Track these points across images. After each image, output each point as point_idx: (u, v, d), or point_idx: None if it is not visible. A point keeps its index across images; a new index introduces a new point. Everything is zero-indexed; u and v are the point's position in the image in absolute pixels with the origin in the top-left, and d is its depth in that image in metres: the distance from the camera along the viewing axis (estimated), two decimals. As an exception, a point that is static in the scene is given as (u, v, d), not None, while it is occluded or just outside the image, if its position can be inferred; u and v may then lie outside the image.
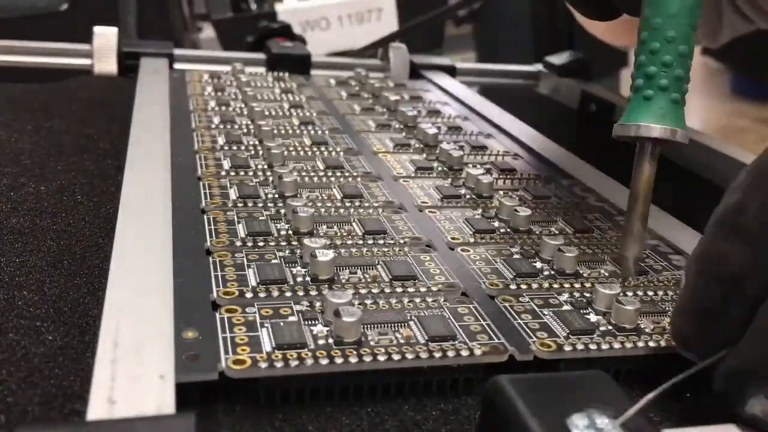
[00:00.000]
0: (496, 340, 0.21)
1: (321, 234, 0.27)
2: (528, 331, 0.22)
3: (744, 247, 0.18)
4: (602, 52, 0.69)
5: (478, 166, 0.35)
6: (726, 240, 0.18)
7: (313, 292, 0.23)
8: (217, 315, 0.21)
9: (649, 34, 0.23)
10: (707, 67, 1.69)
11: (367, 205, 0.30)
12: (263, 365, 0.19)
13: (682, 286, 0.20)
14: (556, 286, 0.25)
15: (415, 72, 0.55)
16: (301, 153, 0.35)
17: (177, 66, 0.52)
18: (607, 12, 0.29)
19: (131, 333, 0.19)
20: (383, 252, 0.26)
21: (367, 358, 0.20)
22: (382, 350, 0.20)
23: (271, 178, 0.32)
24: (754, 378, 0.18)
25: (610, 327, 0.22)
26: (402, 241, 0.27)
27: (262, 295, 0.22)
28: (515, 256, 0.27)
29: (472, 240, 0.28)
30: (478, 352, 0.20)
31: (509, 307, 0.23)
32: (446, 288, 0.24)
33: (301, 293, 0.23)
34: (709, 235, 0.19)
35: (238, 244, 0.25)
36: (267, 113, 0.41)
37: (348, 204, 0.30)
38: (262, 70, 0.52)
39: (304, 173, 0.33)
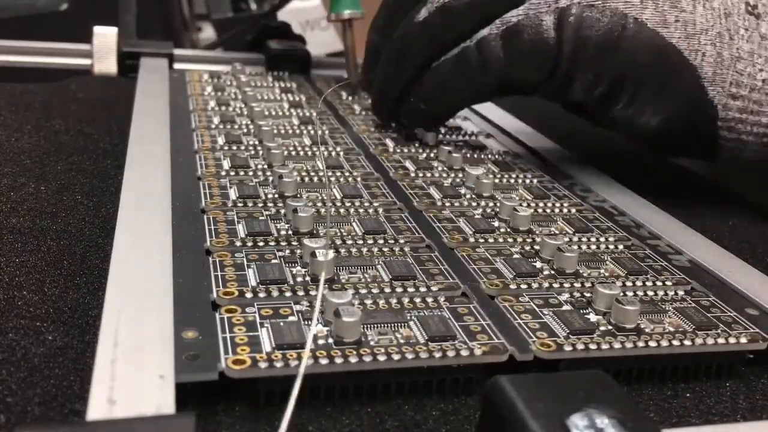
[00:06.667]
0: (496, 340, 0.21)
1: (321, 234, 0.27)
2: (528, 331, 0.22)
3: (377, 36, 0.39)
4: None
5: (478, 166, 0.35)
6: (373, 34, 0.39)
7: (313, 292, 0.23)
8: (217, 315, 0.21)
9: None
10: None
11: (367, 204, 0.30)
12: (263, 365, 0.19)
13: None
14: (556, 285, 0.25)
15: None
16: (301, 153, 0.35)
17: (177, 66, 0.52)
18: None
19: (131, 333, 0.19)
20: (383, 252, 0.26)
21: (367, 358, 0.20)
22: (382, 350, 0.20)
23: (271, 178, 0.32)
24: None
25: (610, 327, 0.22)
26: (402, 241, 0.27)
27: (261, 295, 0.22)
28: (515, 256, 0.27)
29: (472, 240, 0.28)
30: (478, 352, 0.20)
31: (509, 307, 0.23)
32: (446, 288, 0.24)
33: (301, 293, 0.23)
34: (368, 34, 0.40)
35: (238, 244, 0.25)
36: (267, 113, 0.41)
37: (348, 204, 0.30)
38: (261, 69, 0.52)
39: (304, 173, 0.33)
